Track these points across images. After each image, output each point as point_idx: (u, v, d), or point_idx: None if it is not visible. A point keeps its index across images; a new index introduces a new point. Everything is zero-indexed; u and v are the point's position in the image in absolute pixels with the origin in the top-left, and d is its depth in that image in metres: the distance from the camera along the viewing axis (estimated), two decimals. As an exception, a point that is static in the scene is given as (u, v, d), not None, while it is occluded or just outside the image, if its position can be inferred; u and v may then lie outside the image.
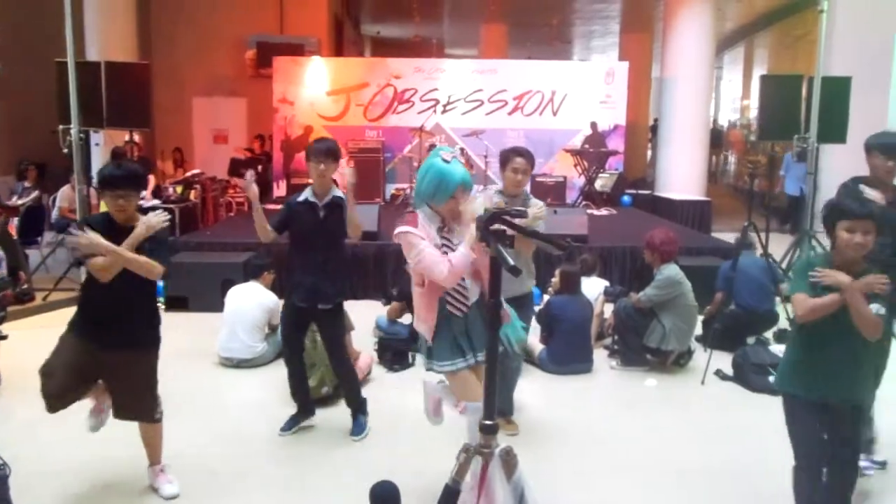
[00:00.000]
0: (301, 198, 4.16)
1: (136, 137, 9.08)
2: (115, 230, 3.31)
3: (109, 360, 3.39)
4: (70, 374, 3.36)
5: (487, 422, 2.10)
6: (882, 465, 3.92)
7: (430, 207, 2.99)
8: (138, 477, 3.69)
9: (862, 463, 3.74)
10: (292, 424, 4.35)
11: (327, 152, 4.08)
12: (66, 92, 7.28)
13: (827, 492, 2.94)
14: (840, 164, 4.10)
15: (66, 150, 7.38)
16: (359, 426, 4.32)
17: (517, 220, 2.26)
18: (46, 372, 3.37)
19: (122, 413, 3.54)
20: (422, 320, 3.03)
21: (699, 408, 4.82)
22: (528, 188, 4.37)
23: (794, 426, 2.96)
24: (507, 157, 4.21)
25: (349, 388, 4.40)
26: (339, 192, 4.17)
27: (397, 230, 2.93)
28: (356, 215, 4.10)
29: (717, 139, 22.21)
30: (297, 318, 4.25)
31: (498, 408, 4.29)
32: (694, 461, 4.00)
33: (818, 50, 7.14)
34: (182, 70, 13.68)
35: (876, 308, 2.72)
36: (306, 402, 4.41)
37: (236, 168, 11.98)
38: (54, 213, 9.34)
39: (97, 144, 10.01)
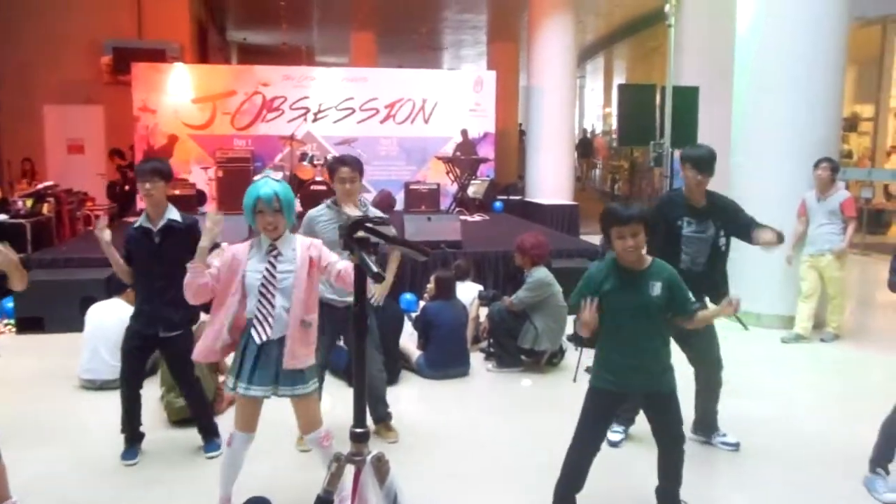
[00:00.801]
0: (136, 223, 4.01)
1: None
2: None
3: None
4: None
5: (358, 430, 2.09)
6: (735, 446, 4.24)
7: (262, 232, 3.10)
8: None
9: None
10: (134, 454, 4.12)
11: (153, 171, 3.92)
12: None
13: None
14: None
15: None
16: (212, 445, 4.19)
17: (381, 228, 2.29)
18: None
19: None
20: (213, 338, 3.15)
21: (571, 405, 4.97)
22: (365, 196, 4.33)
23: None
24: (333, 167, 4.13)
25: (199, 412, 4.27)
26: (174, 215, 3.99)
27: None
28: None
29: (587, 148, 23.00)
30: (140, 344, 4.08)
31: (377, 414, 4.35)
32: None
33: (668, 61, 7.61)
34: (30, 75, 12.80)
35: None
36: (137, 430, 4.20)
37: (114, 190, 11.49)
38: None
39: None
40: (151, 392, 4.95)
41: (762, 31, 6.91)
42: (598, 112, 26.55)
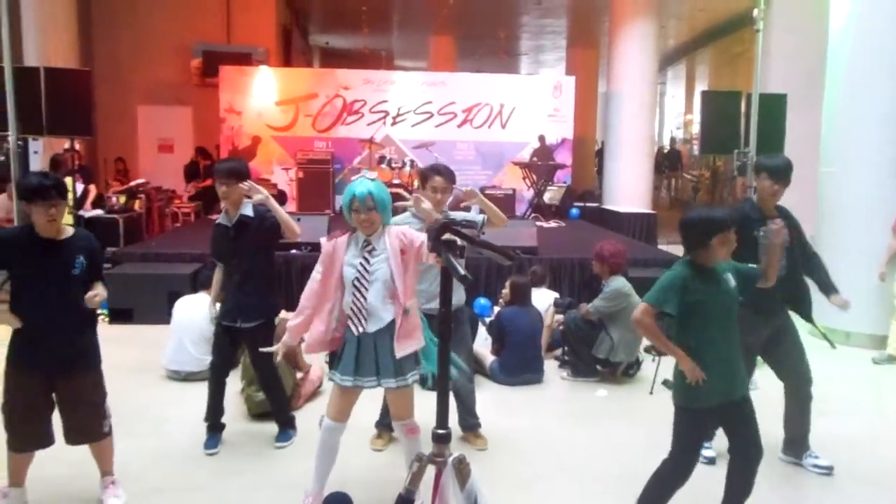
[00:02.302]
0: (217, 220, 4.22)
1: (77, 145, 8.85)
2: (40, 245, 3.19)
3: (60, 385, 3.31)
4: (31, 411, 3.28)
5: (440, 431, 2.11)
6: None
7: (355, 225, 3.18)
8: (84, 489, 3.59)
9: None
10: (216, 443, 4.26)
11: (228, 172, 4.07)
12: (2, 98, 7.07)
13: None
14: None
15: (2, 158, 7.15)
16: (285, 435, 4.33)
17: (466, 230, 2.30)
18: (9, 412, 3.28)
19: (74, 438, 3.43)
20: (322, 331, 3.23)
21: (647, 417, 4.89)
22: (446, 207, 4.31)
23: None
24: (426, 175, 4.16)
25: (277, 403, 4.40)
26: (248, 210, 4.12)
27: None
28: (283, 216, 4.05)
29: (675, 160, 21.56)
30: (224, 338, 4.24)
31: (466, 423, 4.36)
32: (640, 469, 4.06)
33: (755, 67, 7.38)
34: (126, 77, 13.40)
35: None
36: (219, 420, 4.34)
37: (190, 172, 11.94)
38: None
39: (36, 152, 9.73)
40: (232, 386, 5.12)
41: (855, 34, 6.63)
42: (679, 119, 25.97)
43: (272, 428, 4.42)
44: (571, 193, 13.22)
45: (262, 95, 12.43)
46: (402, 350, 3.14)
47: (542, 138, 12.74)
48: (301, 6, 17.53)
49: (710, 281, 3.02)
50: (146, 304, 6.97)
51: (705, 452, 3.98)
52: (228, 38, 13.96)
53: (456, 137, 12.63)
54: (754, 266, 3.23)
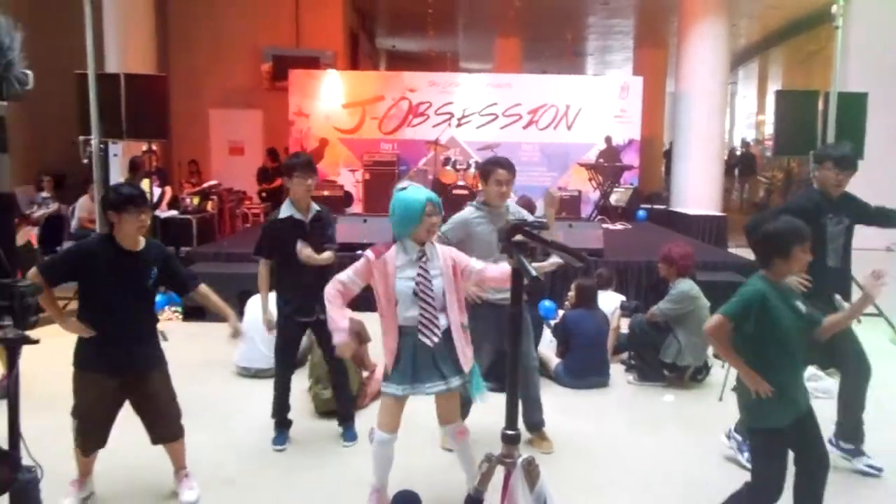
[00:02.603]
0: (283, 215, 4.19)
1: (154, 148, 9.16)
2: (119, 256, 3.31)
3: (136, 388, 3.43)
4: (104, 414, 3.41)
5: (509, 432, 2.10)
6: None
7: (411, 239, 3.16)
8: (157, 483, 3.71)
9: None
10: (284, 440, 4.35)
11: (311, 165, 4.17)
12: (86, 103, 7.37)
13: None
14: (855, 179, 4.10)
15: (85, 161, 7.45)
16: (350, 433, 4.38)
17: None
18: (81, 416, 3.39)
19: (161, 437, 3.57)
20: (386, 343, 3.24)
21: (715, 424, 4.76)
22: (510, 200, 4.32)
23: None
24: (489, 169, 4.14)
25: (343, 397, 4.47)
26: (316, 205, 4.24)
27: (365, 253, 3.18)
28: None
29: (749, 164, 20.65)
30: (294, 334, 4.31)
31: (532, 422, 4.36)
32: (708, 477, 3.97)
33: (834, 65, 7.13)
34: (199, 81, 13.80)
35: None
36: (286, 417, 4.44)
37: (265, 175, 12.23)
38: (73, 224, 9.43)
39: (115, 155, 10.11)
40: (299, 384, 5.21)
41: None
42: (750, 120, 25.27)
43: (337, 426, 4.49)
44: (638, 195, 13.01)
45: (329, 98, 12.64)
46: (466, 363, 3.22)
47: (608, 139, 12.58)
48: (368, 10, 17.76)
49: (785, 298, 2.95)
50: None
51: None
52: (298, 43, 14.24)
53: (521, 139, 12.58)
54: (818, 314, 3.07)
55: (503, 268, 3.26)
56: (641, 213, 12.70)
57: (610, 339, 5.90)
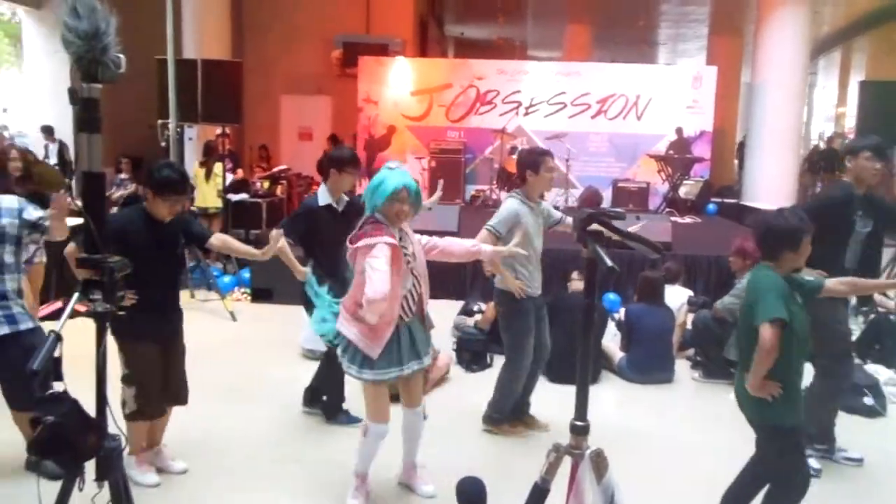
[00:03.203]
0: (322, 202, 4.28)
1: (227, 132, 9.39)
2: (153, 227, 3.48)
3: (168, 352, 3.62)
4: (159, 378, 3.57)
5: (578, 423, 2.09)
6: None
7: (387, 217, 3.14)
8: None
9: None
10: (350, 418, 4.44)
11: (358, 160, 4.45)
12: (165, 88, 7.61)
13: None
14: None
15: (163, 144, 7.71)
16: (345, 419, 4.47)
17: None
18: (140, 383, 3.52)
19: (179, 399, 3.73)
20: (375, 332, 3.14)
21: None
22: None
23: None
24: (539, 160, 4.14)
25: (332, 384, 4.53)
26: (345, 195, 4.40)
27: (383, 240, 3.03)
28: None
29: (832, 160, 19.71)
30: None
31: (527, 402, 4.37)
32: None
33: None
34: (271, 67, 14.03)
35: None
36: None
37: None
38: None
39: (190, 139, 10.41)
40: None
41: None
42: (830, 112, 24.34)
43: (396, 410, 4.52)
44: (709, 188, 12.69)
45: (398, 85, 12.70)
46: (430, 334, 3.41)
47: (679, 130, 12.30)
48: (438, -3, 17.78)
49: (793, 292, 2.90)
50: (285, 285, 7.25)
51: (811, 463, 3.88)
52: (368, 29, 14.35)
53: (589, 129, 12.41)
54: (815, 279, 3.05)
55: (462, 243, 3.51)
56: (711, 206, 12.39)
57: (676, 335, 5.80)
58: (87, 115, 1.92)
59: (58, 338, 1.84)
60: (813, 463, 3.86)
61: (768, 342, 2.69)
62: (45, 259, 5.03)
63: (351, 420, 4.39)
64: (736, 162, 17.43)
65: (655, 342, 5.48)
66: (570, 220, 4.40)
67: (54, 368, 1.83)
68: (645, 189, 11.65)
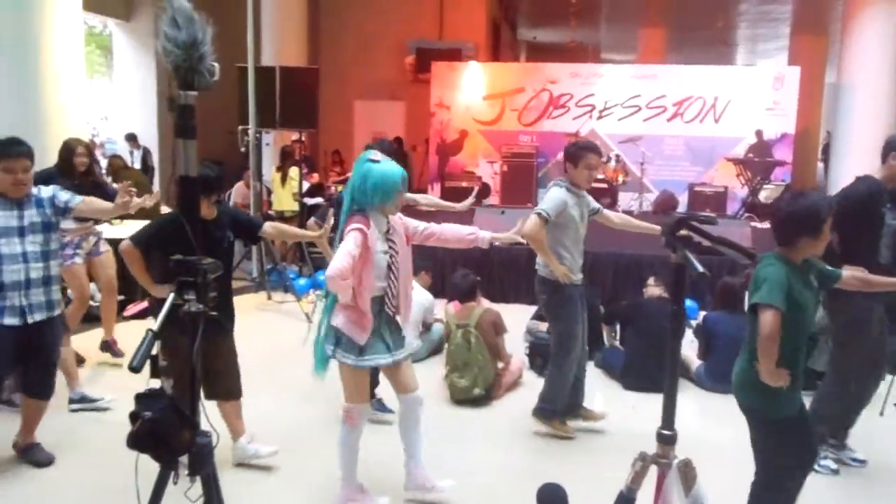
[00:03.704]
0: None
1: (302, 137, 9.60)
2: (203, 224, 3.62)
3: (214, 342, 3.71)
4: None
5: (666, 432, 2.05)
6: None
7: (379, 211, 3.18)
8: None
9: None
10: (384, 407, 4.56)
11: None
12: (245, 95, 7.84)
13: None
14: None
15: (243, 149, 7.93)
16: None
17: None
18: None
19: (230, 394, 3.82)
20: (359, 318, 3.18)
21: (868, 439, 4.43)
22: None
23: None
24: (580, 154, 4.11)
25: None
26: None
27: (355, 226, 3.08)
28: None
29: None
30: None
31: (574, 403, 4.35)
32: (858, 494, 3.72)
33: None
34: (346, 73, 14.27)
35: None
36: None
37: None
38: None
39: (268, 144, 10.69)
40: (437, 371, 5.32)
41: None
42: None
43: (471, 413, 4.55)
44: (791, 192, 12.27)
45: (470, 90, 12.74)
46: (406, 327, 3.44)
47: (759, 133, 11.94)
48: (511, 1, 17.75)
49: (804, 279, 2.75)
50: (359, 287, 7.40)
51: (827, 463, 3.92)
52: (441, 35, 14.45)
53: (665, 132, 12.17)
54: (835, 270, 2.94)
55: (457, 228, 3.49)
56: (793, 211, 11.96)
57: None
58: (183, 121, 2.00)
59: (155, 336, 1.92)
60: (829, 463, 3.91)
61: (766, 327, 2.61)
62: (109, 248, 5.30)
63: (384, 409, 4.50)
64: (821, 165, 16.84)
65: (733, 351, 5.27)
66: (607, 212, 4.45)
67: (151, 366, 1.91)
68: (722, 193, 11.35)
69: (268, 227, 3.94)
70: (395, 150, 3.99)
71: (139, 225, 4.05)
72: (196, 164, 2.00)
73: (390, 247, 3.23)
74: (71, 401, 4.57)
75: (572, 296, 4.16)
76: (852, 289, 2.92)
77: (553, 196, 4.11)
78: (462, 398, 4.87)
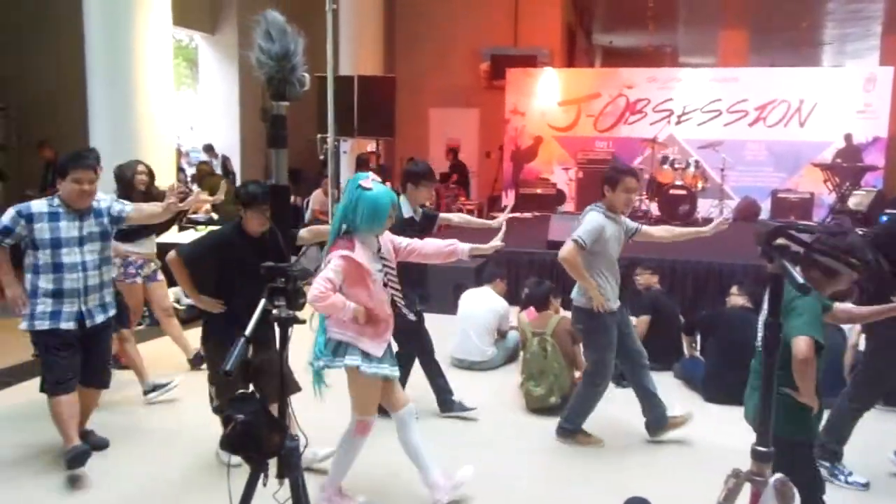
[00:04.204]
0: (406, 214, 4.45)
1: (378, 146, 9.73)
2: (249, 242, 3.73)
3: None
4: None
5: (761, 448, 1.98)
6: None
7: (369, 233, 3.20)
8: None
9: None
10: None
11: (433, 174, 4.69)
12: (325, 104, 7.99)
13: None
14: None
15: (322, 157, 8.08)
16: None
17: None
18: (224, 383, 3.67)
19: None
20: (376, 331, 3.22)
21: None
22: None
23: None
24: (618, 177, 4.05)
25: None
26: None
27: (338, 253, 3.09)
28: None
29: None
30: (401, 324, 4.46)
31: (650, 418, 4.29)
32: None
33: None
34: (421, 82, 14.39)
35: None
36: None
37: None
38: (307, 215, 10.26)
39: (345, 152, 10.86)
40: (513, 378, 5.28)
41: None
42: None
43: (545, 422, 4.50)
44: (882, 199, 11.68)
45: (545, 96, 12.67)
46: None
47: (848, 137, 11.46)
48: (586, 6, 17.58)
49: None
50: (434, 294, 7.42)
51: (856, 479, 3.89)
52: (516, 42, 14.42)
53: (746, 137, 11.83)
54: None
55: (436, 243, 3.47)
56: (885, 218, 11.41)
57: (847, 357, 5.37)
58: (275, 131, 2.05)
59: (248, 341, 1.98)
60: (858, 478, 3.88)
61: (802, 352, 2.66)
62: (164, 278, 5.47)
63: (464, 408, 4.67)
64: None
65: (825, 365, 5.10)
66: (646, 228, 4.38)
67: (243, 370, 1.96)
68: (808, 200, 10.94)
69: (303, 232, 4.04)
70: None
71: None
72: (286, 173, 2.05)
73: (384, 265, 3.27)
74: (145, 393, 4.80)
75: (608, 325, 4.11)
76: (839, 323, 2.93)
77: (590, 221, 4.05)
78: (538, 406, 4.83)
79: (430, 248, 3.45)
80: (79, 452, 3.63)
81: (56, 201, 3.70)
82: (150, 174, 5.44)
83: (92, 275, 3.77)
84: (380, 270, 3.25)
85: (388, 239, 3.37)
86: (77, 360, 3.77)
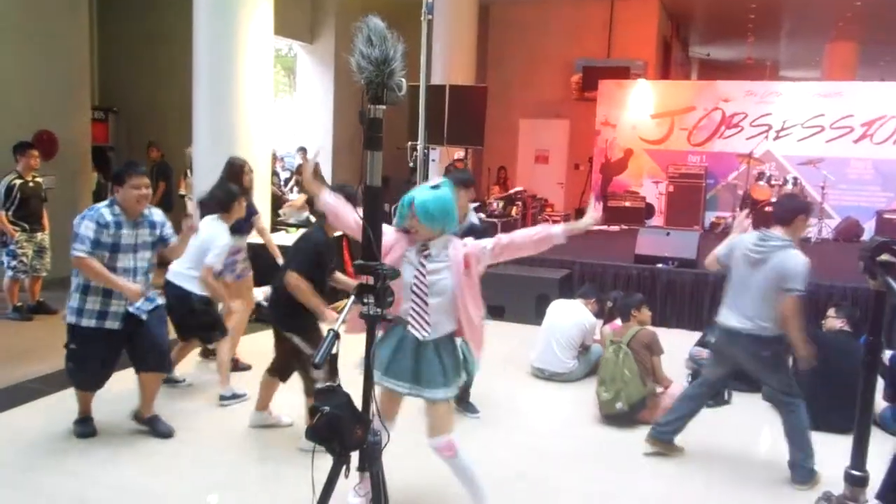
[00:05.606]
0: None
1: (468, 155, 9.79)
2: (332, 242, 4.10)
3: None
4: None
5: (855, 472, 1.91)
6: None
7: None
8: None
9: None
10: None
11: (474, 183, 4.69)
12: (416, 112, 8.12)
13: None
14: None
15: (411, 165, 8.20)
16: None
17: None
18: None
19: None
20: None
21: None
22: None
23: None
24: (800, 211, 4.10)
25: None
26: (473, 218, 4.63)
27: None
28: None
29: None
30: None
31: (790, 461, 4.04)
32: None
33: None
34: (511, 92, 14.41)
35: None
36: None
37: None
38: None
39: (433, 161, 10.98)
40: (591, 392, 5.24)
41: None
42: None
43: (619, 435, 4.42)
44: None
45: (637, 108, 12.47)
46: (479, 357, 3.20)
47: (962, 157, 10.80)
48: (683, 18, 17.21)
49: None
50: (516, 303, 7.43)
51: None
52: (609, 53, 14.26)
53: (850, 154, 11.29)
54: None
55: (526, 232, 3.18)
56: None
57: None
58: (371, 134, 2.11)
59: (336, 336, 2.04)
60: None
61: None
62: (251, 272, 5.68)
63: (472, 410, 4.77)
64: None
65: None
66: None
67: (331, 364, 2.02)
68: (918, 221, 10.36)
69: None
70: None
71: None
72: (380, 175, 2.11)
73: (418, 269, 3.06)
74: (222, 398, 4.89)
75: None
76: None
77: (801, 264, 3.88)
78: (606, 412, 4.81)
79: (519, 239, 3.18)
80: (86, 427, 4.16)
81: (117, 209, 3.97)
82: (252, 173, 5.74)
83: (140, 280, 4.04)
84: (412, 267, 3.08)
85: (461, 247, 3.10)
86: (112, 359, 4.13)
